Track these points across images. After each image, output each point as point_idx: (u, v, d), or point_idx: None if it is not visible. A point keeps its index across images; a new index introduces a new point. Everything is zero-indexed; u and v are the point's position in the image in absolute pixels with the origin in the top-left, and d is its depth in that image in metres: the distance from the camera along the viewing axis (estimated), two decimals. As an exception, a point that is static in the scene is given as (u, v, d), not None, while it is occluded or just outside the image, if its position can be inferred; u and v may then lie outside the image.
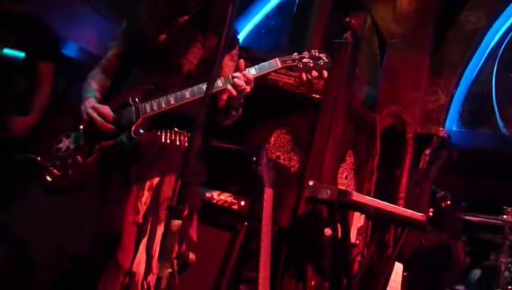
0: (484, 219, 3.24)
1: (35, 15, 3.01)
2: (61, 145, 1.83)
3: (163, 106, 1.77)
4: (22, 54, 2.59)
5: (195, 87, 1.75)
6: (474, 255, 3.70)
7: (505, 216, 3.08)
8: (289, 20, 4.70)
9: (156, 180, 1.79)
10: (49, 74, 3.00)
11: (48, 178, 1.77)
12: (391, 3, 4.46)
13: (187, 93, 1.76)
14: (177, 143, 1.86)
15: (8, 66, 2.66)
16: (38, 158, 1.80)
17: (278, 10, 5.42)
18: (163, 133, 1.85)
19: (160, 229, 1.73)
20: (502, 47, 4.39)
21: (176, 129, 1.87)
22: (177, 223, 1.27)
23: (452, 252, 3.65)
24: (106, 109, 1.80)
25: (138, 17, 1.97)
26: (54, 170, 1.77)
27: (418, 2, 4.25)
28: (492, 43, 4.40)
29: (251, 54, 2.89)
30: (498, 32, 4.40)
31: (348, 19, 3.04)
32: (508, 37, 4.39)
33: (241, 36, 5.37)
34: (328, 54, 1.86)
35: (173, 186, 1.71)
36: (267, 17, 5.46)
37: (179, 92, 1.77)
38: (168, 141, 1.85)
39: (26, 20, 2.93)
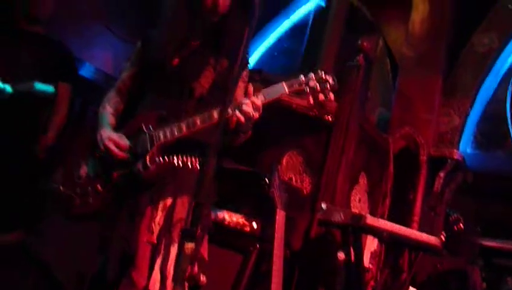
0: (502, 245, 3.17)
1: (54, 36, 3.09)
2: (81, 172, 1.89)
3: (176, 133, 1.81)
4: (51, 88, 2.69)
5: (205, 113, 1.78)
6: (490, 280, 3.61)
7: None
8: (302, 43, 4.75)
9: (169, 201, 1.83)
10: (66, 94, 3.06)
11: (70, 206, 1.84)
12: (403, 26, 4.49)
13: (198, 120, 1.78)
14: (189, 165, 1.89)
15: (39, 99, 2.75)
16: (61, 187, 1.87)
17: (290, 32, 5.47)
18: (176, 157, 1.88)
19: (173, 250, 1.76)
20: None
21: (187, 154, 1.89)
22: (190, 246, 1.27)
23: (468, 277, 3.57)
24: (122, 140, 1.85)
25: (153, 40, 2.00)
26: (76, 198, 1.84)
27: (429, 25, 4.27)
28: (506, 65, 4.38)
29: (264, 77, 2.92)
30: (511, 54, 4.38)
31: (360, 42, 3.05)
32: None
33: (253, 58, 5.43)
34: (339, 76, 1.87)
35: (186, 208, 1.76)
36: (280, 39, 5.52)
37: (190, 119, 1.80)
38: (181, 164, 1.88)
39: (46, 41, 3.01)
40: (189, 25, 1.95)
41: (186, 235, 1.30)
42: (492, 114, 4.41)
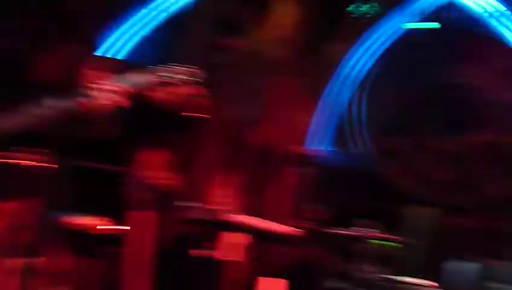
0: (351, 232, 3.53)
1: None
2: None
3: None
4: None
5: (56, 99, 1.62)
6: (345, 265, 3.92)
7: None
8: (171, 36, 4.70)
9: (11, 205, 1.67)
10: None
11: None
12: (267, 29, 4.73)
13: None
14: (33, 164, 1.73)
15: None
16: None
17: (162, 25, 5.37)
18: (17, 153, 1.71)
19: (12, 261, 1.61)
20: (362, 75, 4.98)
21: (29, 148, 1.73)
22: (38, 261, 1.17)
23: (324, 263, 3.85)
24: None
25: None
26: None
27: (288, 30, 4.59)
28: (353, 72, 4.95)
29: (131, 67, 2.81)
30: (359, 61, 4.96)
31: (226, 41, 3.12)
32: (366, 67, 5.00)
33: (123, 50, 5.20)
34: (205, 75, 1.88)
35: (30, 213, 1.63)
36: (150, 31, 5.39)
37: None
38: (23, 162, 1.71)
39: None
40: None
41: (32, 250, 1.18)
42: (345, 116, 4.96)
